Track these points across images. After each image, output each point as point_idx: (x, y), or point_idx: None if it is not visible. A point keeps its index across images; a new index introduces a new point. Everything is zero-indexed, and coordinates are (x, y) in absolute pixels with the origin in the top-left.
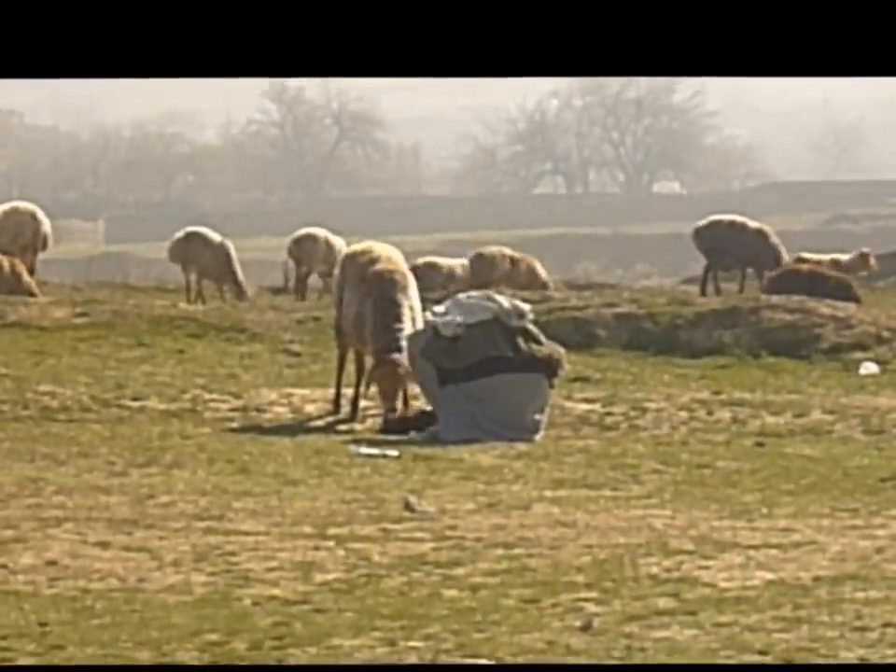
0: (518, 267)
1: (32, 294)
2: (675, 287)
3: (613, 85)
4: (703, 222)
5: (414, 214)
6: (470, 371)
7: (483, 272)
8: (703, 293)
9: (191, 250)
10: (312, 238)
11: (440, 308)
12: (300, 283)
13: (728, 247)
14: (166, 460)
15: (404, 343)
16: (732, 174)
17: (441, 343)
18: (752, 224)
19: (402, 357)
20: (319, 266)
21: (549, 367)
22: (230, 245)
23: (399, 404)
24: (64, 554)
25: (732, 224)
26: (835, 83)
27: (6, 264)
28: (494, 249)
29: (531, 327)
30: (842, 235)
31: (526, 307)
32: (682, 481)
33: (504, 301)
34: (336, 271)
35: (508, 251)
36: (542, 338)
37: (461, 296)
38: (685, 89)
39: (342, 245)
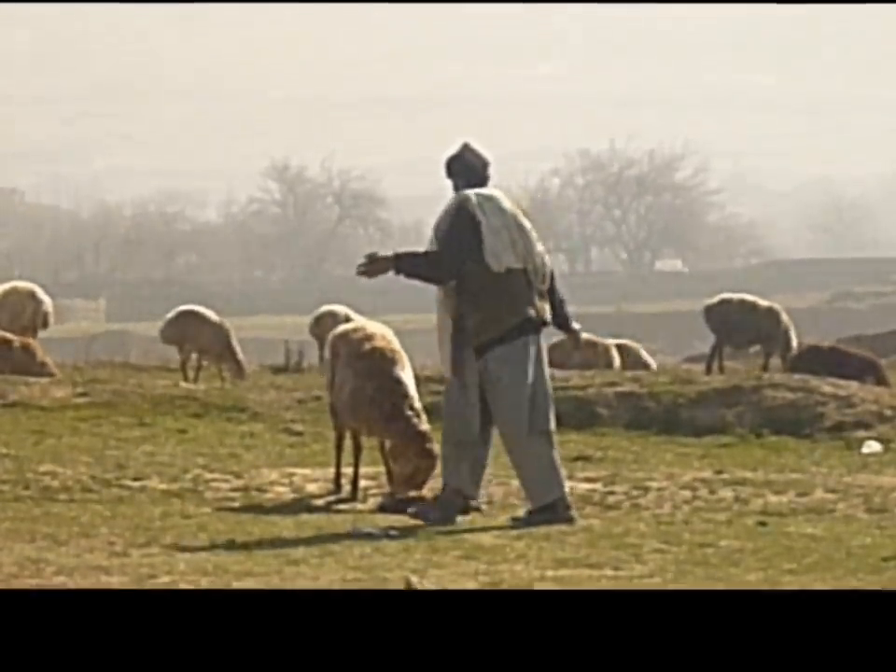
0: (596, 352)
1: (50, 374)
2: (677, 365)
3: (615, 163)
4: (714, 300)
5: (416, 292)
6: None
7: (559, 357)
8: (709, 371)
9: (189, 329)
10: (332, 315)
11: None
12: (322, 359)
13: (739, 326)
14: (167, 540)
15: (427, 427)
16: (734, 251)
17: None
18: (763, 303)
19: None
20: None
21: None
22: (228, 323)
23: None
24: None
25: (742, 302)
26: (837, 160)
27: (16, 343)
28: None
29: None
30: (845, 313)
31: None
32: (685, 560)
33: (537, 247)
34: (326, 352)
35: (585, 335)
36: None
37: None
38: (687, 166)
39: None
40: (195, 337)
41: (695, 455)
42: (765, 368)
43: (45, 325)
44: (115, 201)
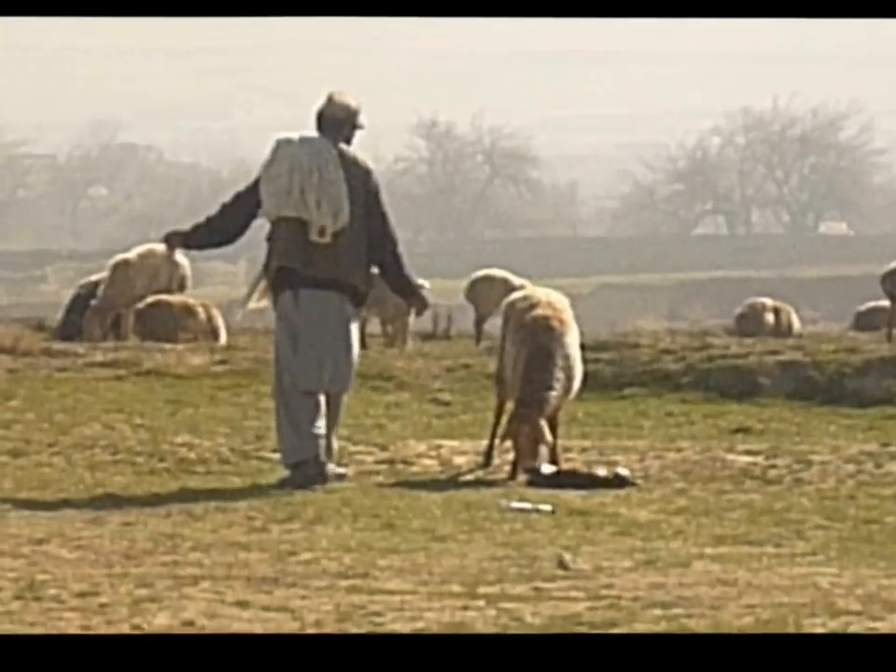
0: (779, 317)
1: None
2: (842, 332)
3: (777, 122)
4: (892, 265)
5: (570, 256)
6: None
7: (752, 325)
8: (889, 339)
9: (380, 292)
10: (488, 280)
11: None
12: (476, 326)
13: None
14: (308, 515)
15: (551, 395)
16: None
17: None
18: None
19: (538, 414)
20: (495, 310)
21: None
22: None
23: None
24: (201, 614)
25: None
26: None
27: (200, 310)
28: (757, 302)
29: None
30: None
31: (336, 221)
32: (849, 537)
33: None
34: (501, 318)
35: (769, 301)
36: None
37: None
38: (851, 125)
39: None
40: (385, 300)
41: (861, 426)
42: None
43: (182, 288)
44: (255, 158)
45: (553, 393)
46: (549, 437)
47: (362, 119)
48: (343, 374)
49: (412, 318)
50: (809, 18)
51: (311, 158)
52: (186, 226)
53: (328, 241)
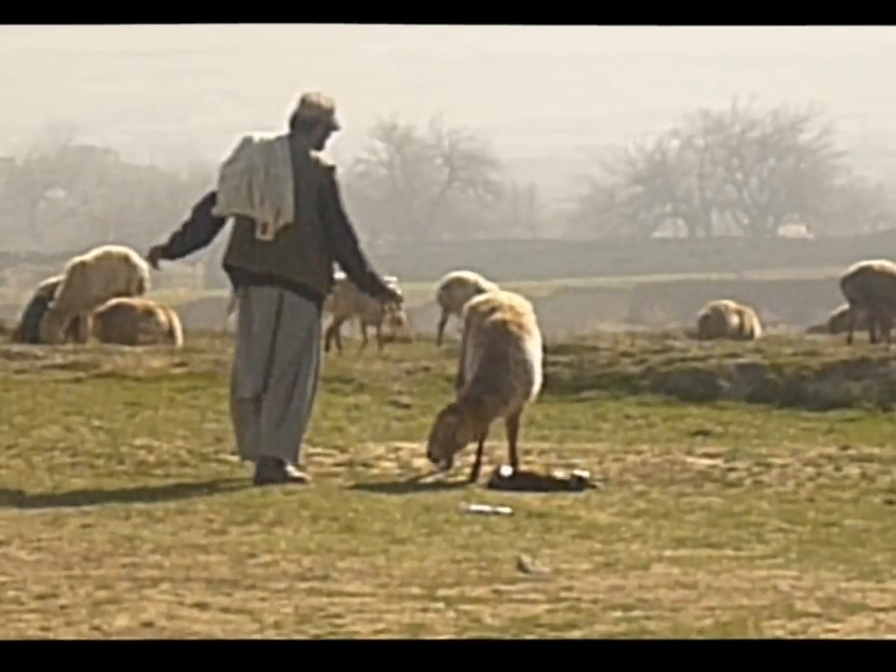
0: (742, 319)
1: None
2: (801, 335)
3: (737, 124)
4: (852, 269)
5: (529, 258)
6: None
7: (715, 327)
8: (850, 342)
9: (360, 297)
10: (461, 282)
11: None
12: (440, 328)
13: (882, 295)
14: (267, 517)
15: (497, 399)
16: (861, 217)
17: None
18: None
19: (473, 412)
20: None
21: (296, 287)
22: None
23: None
24: (161, 616)
25: (883, 270)
26: None
27: (160, 312)
28: (720, 304)
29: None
30: None
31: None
32: (809, 540)
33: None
34: (462, 322)
35: (732, 304)
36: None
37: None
38: (812, 128)
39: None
40: (365, 305)
41: (820, 430)
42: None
43: (140, 291)
44: (213, 160)
45: (500, 398)
46: (465, 439)
47: (336, 119)
48: (265, 376)
49: (386, 319)
50: (781, 25)
51: (261, 155)
52: (162, 238)
53: (271, 238)
